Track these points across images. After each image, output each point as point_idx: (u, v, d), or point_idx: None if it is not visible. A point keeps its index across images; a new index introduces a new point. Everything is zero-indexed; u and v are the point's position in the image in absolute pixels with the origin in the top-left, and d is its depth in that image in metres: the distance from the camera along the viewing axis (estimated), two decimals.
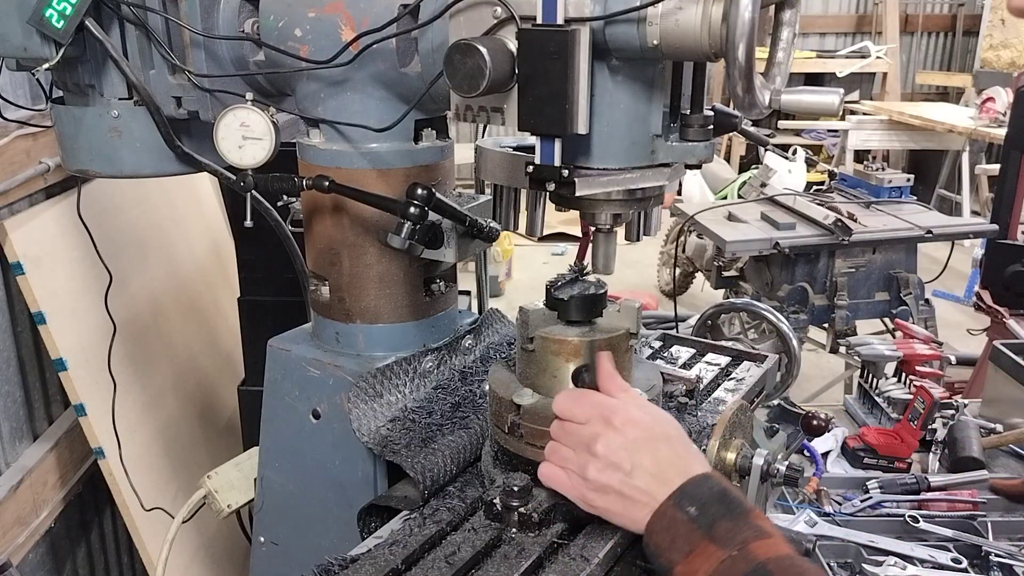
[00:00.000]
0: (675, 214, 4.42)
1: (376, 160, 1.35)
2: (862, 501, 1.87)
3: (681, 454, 1.04)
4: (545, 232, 1.32)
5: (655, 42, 1.02)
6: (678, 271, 5.17)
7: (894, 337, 3.24)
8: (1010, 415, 2.18)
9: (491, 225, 1.38)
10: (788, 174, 6.19)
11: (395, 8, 1.22)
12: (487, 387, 1.27)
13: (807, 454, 2.02)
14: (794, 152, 6.47)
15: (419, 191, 1.26)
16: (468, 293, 2.64)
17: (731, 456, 1.19)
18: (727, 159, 8.60)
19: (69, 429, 2.34)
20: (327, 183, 1.30)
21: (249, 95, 1.32)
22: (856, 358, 2.62)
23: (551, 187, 1.12)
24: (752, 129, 1.69)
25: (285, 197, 1.61)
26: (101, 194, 2.50)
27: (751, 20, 0.96)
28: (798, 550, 1.02)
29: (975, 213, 7.42)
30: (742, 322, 3.47)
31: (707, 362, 1.66)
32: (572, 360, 1.12)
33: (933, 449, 2.07)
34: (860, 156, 7.82)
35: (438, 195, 1.28)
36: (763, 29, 1.08)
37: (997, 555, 1.66)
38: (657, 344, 1.73)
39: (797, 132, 8.72)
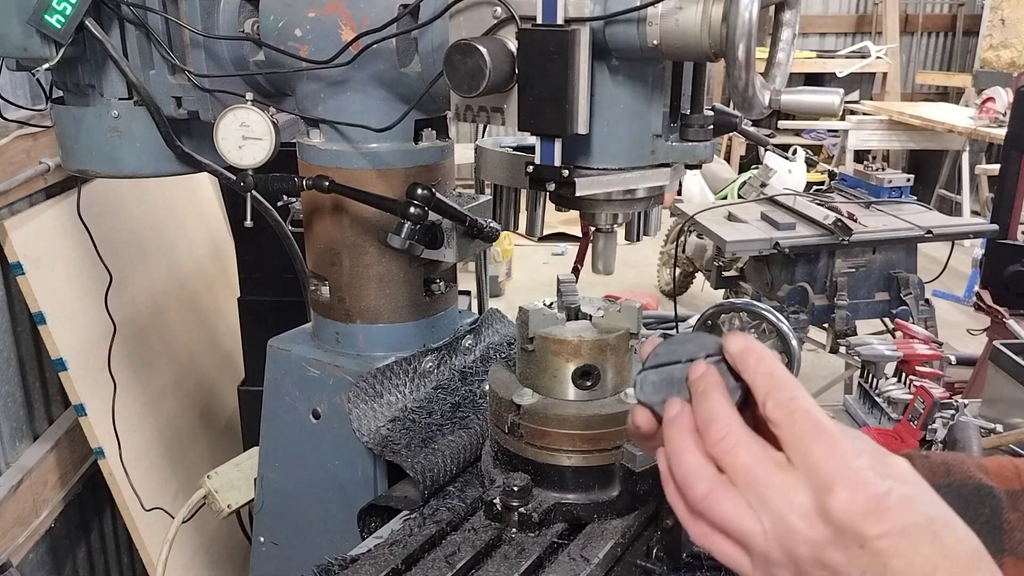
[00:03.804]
0: (675, 214, 4.42)
1: (376, 160, 1.35)
2: None
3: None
4: (545, 232, 1.32)
5: (655, 42, 1.02)
6: (678, 271, 5.17)
7: (894, 337, 3.24)
8: (1010, 415, 2.18)
9: (491, 225, 1.38)
10: (788, 174, 6.19)
11: (395, 8, 1.22)
12: (487, 387, 1.27)
13: None
14: (794, 152, 6.47)
15: (419, 191, 1.26)
16: (468, 293, 2.64)
17: None
18: (727, 159, 8.59)
19: (69, 429, 2.34)
20: (327, 183, 1.30)
21: (249, 95, 1.32)
22: (856, 358, 2.62)
23: (551, 187, 1.12)
24: (752, 129, 1.69)
25: (285, 197, 1.61)
26: (101, 194, 2.50)
27: (751, 20, 0.96)
28: None
29: (975, 213, 7.42)
30: (742, 322, 3.47)
31: None
32: (572, 360, 1.12)
33: (933, 449, 2.07)
34: (860, 156, 7.82)
35: (438, 195, 1.28)
36: (763, 29, 1.08)
37: None
38: None
39: (797, 132, 8.72)
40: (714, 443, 0.72)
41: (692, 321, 2.37)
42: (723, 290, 4.41)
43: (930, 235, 3.80)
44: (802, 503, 0.67)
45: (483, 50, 1.02)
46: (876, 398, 2.28)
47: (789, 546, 0.68)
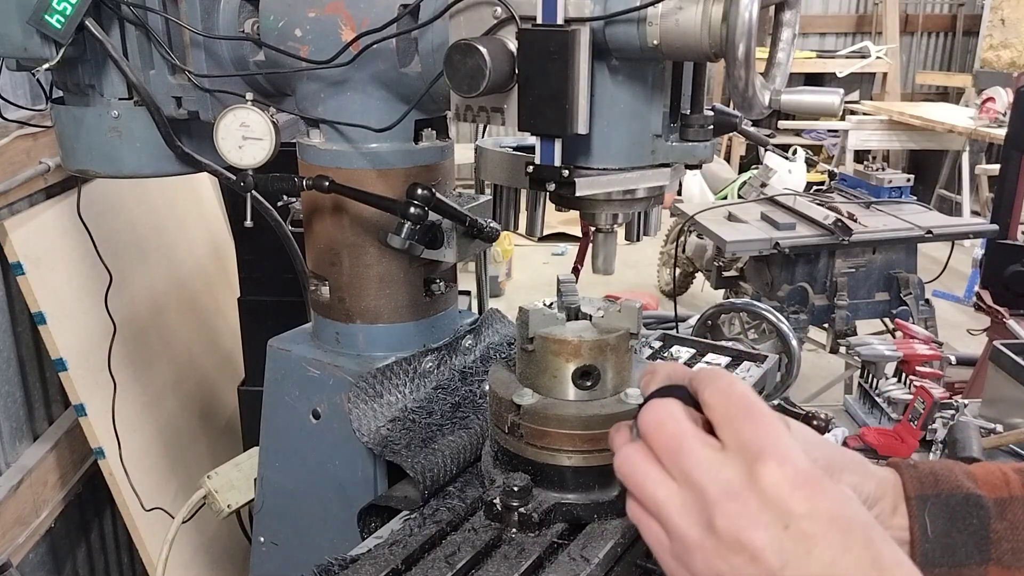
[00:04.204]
0: (675, 214, 4.42)
1: (376, 160, 1.35)
2: None
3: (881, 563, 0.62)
4: (545, 232, 1.32)
5: (655, 42, 1.02)
6: (678, 271, 5.18)
7: (894, 337, 3.24)
8: (1010, 415, 2.18)
9: (491, 225, 1.38)
10: (788, 174, 6.20)
11: (395, 8, 1.22)
12: (487, 387, 1.27)
13: None
14: (794, 152, 6.48)
15: (419, 191, 1.26)
16: (468, 293, 2.64)
17: None
18: (727, 159, 8.60)
19: (69, 429, 2.34)
20: (327, 183, 1.30)
21: (249, 95, 1.32)
22: (856, 358, 2.62)
23: (551, 187, 1.12)
24: (752, 129, 1.69)
25: (285, 197, 1.61)
26: (101, 194, 2.50)
27: (751, 20, 0.96)
28: None
29: (975, 213, 7.43)
30: (742, 322, 3.46)
31: (707, 362, 1.66)
32: (572, 360, 1.12)
33: (933, 449, 2.07)
34: (860, 156, 7.83)
35: (438, 195, 1.28)
36: (763, 29, 1.08)
37: None
38: (657, 344, 1.73)
39: (797, 132, 8.73)
40: (645, 424, 0.70)
41: (692, 321, 2.37)
42: (723, 290, 4.42)
43: (930, 235, 3.80)
44: (728, 477, 0.63)
45: (483, 50, 1.02)
46: (876, 398, 2.28)
47: (707, 520, 0.63)
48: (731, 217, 4.01)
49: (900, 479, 0.86)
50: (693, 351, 1.71)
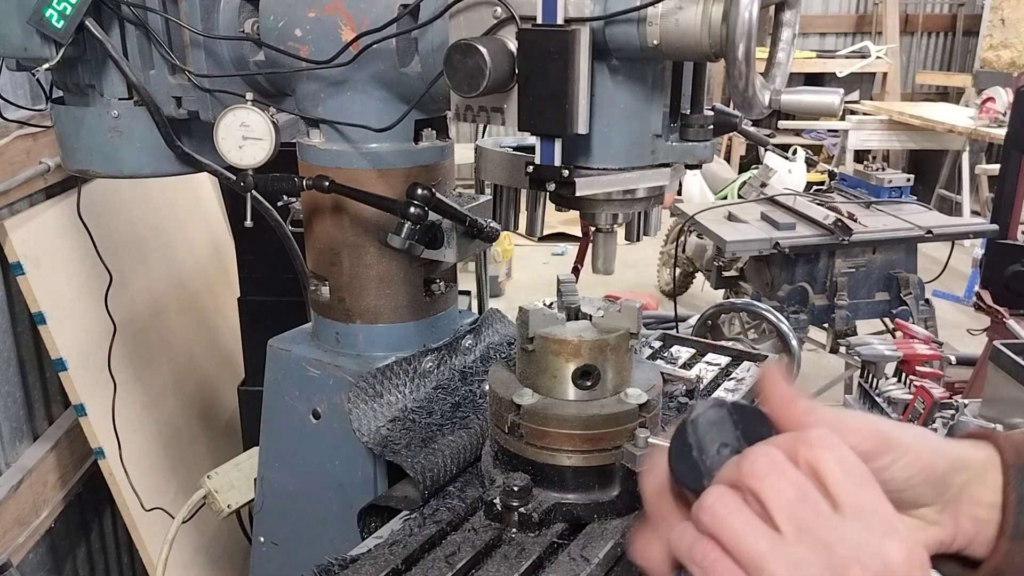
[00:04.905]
0: (675, 214, 4.42)
1: (376, 160, 1.35)
2: None
3: None
4: (545, 232, 1.32)
5: (655, 42, 1.02)
6: (678, 271, 5.18)
7: (894, 337, 3.25)
8: (1010, 415, 2.18)
9: (491, 225, 1.38)
10: (788, 174, 6.20)
11: (395, 8, 1.22)
12: (487, 387, 1.27)
13: None
14: (794, 152, 6.47)
15: (419, 191, 1.26)
16: (468, 293, 2.64)
17: None
18: (727, 159, 8.60)
19: (69, 429, 2.34)
20: (327, 183, 1.30)
21: (249, 95, 1.32)
22: (856, 358, 2.62)
23: (551, 187, 1.12)
24: (752, 129, 1.69)
25: (285, 197, 1.61)
26: (101, 194, 2.50)
27: (751, 20, 0.96)
28: None
29: (975, 213, 7.42)
30: (742, 322, 3.47)
31: (707, 362, 1.66)
32: (572, 360, 1.12)
33: None
34: (860, 156, 7.82)
35: (438, 195, 1.28)
36: (763, 29, 1.08)
37: None
38: (657, 344, 1.73)
39: (797, 132, 8.72)
40: (760, 467, 0.67)
41: (692, 321, 2.37)
42: (723, 290, 4.42)
43: (930, 235, 3.80)
44: (853, 539, 0.65)
45: (483, 50, 1.02)
46: (876, 398, 2.28)
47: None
48: (731, 217, 4.01)
49: (996, 448, 0.82)
50: (693, 351, 1.71)
